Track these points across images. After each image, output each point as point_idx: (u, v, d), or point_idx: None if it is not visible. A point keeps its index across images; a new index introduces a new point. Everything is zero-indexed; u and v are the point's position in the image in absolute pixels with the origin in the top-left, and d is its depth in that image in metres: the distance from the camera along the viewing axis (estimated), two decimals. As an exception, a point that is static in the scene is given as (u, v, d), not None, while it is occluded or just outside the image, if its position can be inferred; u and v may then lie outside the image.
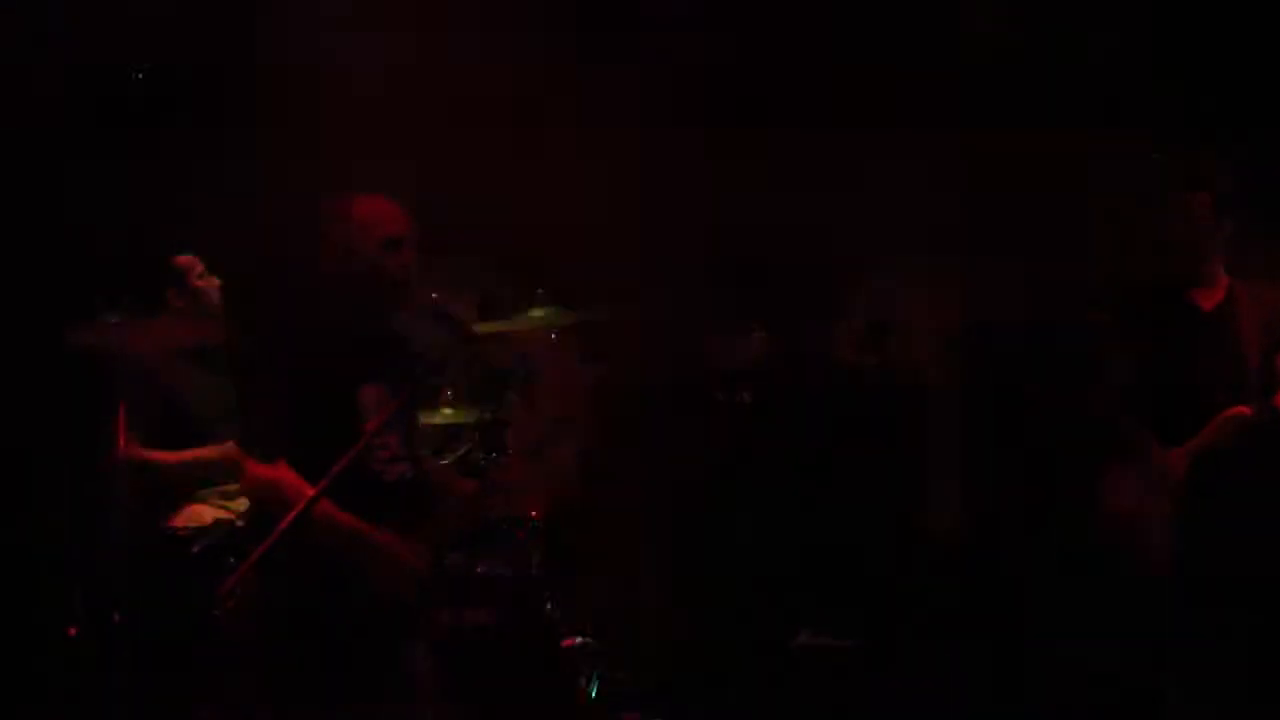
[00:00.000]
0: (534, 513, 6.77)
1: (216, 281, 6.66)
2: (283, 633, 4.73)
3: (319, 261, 4.93)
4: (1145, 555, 6.10)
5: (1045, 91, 8.14)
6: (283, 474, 4.60)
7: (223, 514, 6.19)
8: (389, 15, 7.91)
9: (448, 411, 7.01)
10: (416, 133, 7.83)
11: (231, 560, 5.88)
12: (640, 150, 8.12)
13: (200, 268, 6.63)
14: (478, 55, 8.02)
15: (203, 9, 7.24)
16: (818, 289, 8.29)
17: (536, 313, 6.97)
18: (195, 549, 5.97)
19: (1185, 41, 7.82)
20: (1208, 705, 5.91)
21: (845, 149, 8.17)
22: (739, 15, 8.15)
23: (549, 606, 6.55)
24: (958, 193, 8.23)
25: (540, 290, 7.30)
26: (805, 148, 8.19)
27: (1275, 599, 5.92)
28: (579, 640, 6.87)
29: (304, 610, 4.67)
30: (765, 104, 8.21)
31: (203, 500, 6.43)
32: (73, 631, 6.08)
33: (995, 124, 8.19)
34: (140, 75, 7.05)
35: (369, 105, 7.81)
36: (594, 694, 6.85)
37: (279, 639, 4.75)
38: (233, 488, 6.38)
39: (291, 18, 7.66)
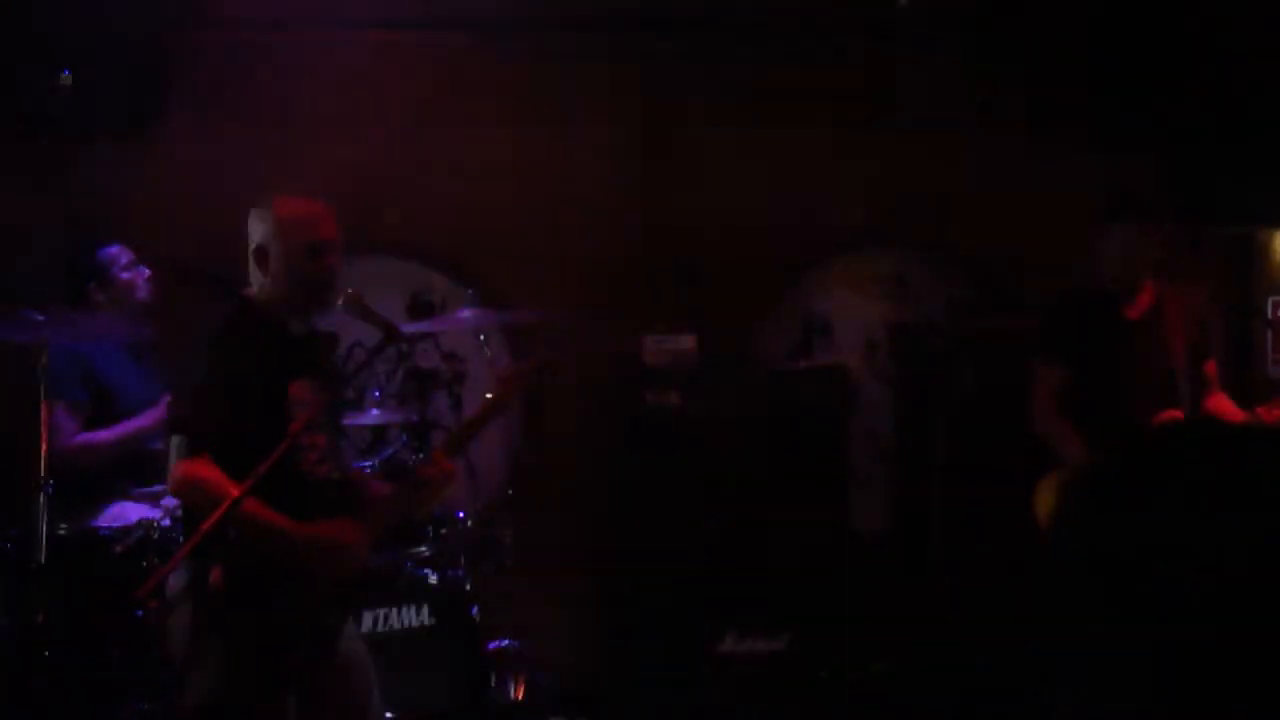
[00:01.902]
0: (461, 514, 6.76)
1: (146, 272, 6.64)
2: (210, 630, 4.70)
3: (249, 261, 4.91)
4: (1076, 560, 6.12)
5: (980, 96, 8.20)
6: (210, 472, 4.57)
7: (146, 512, 6.15)
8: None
9: (375, 412, 6.99)
10: (346, 133, 7.82)
11: (155, 560, 5.87)
12: (574, 151, 8.15)
13: (127, 258, 6.61)
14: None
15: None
16: (749, 290, 8.30)
17: (465, 313, 6.96)
18: (118, 549, 5.92)
19: (1123, 51, 7.89)
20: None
21: (782, 148, 8.21)
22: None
23: (475, 609, 6.54)
24: (892, 194, 8.27)
25: (469, 291, 7.29)
26: (740, 147, 8.24)
27: (1197, 604, 5.94)
28: (505, 642, 6.88)
29: (231, 608, 4.64)
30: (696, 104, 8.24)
31: (128, 499, 6.39)
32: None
33: (930, 126, 8.24)
34: (61, 79, 6.98)
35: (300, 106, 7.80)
36: (520, 696, 6.85)
37: (206, 636, 4.71)
38: (159, 488, 6.35)
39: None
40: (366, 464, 6.60)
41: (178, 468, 4.66)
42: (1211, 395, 6.42)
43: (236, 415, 4.62)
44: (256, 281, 4.90)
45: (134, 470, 6.46)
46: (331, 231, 4.88)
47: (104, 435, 6.41)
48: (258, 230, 4.90)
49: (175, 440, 4.71)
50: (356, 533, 4.78)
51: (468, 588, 6.58)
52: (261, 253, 4.87)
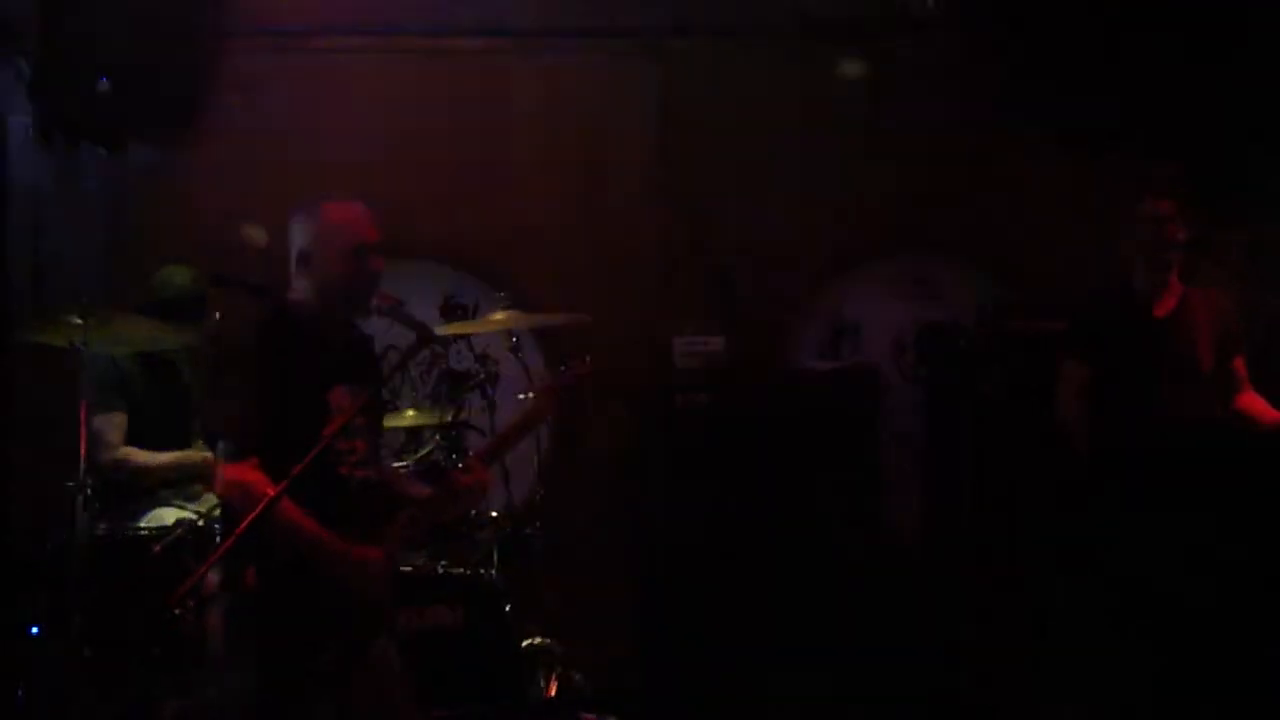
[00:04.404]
0: (494, 514, 6.81)
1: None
2: (244, 630, 4.76)
3: (290, 265, 4.95)
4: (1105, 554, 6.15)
5: (1009, 98, 8.21)
6: (253, 476, 4.61)
7: (184, 515, 6.21)
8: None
9: (410, 414, 7.04)
10: (380, 139, 7.88)
11: (192, 561, 5.92)
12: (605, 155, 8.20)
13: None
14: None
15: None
16: (778, 291, 8.33)
17: (498, 316, 7.01)
18: (156, 549, 5.98)
19: (1148, 52, 7.88)
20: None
21: (812, 149, 8.24)
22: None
23: (508, 607, 6.58)
24: (919, 196, 8.29)
25: (502, 294, 7.34)
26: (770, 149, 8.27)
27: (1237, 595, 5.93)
28: (538, 640, 6.92)
29: (265, 608, 4.69)
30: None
31: (166, 502, 6.45)
32: (35, 631, 6.10)
33: (957, 128, 8.26)
34: (99, 87, 7.04)
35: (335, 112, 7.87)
36: (552, 694, 6.89)
37: (243, 637, 4.77)
38: (196, 489, 6.42)
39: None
40: (400, 465, 6.65)
41: (225, 471, 4.70)
42: (1242, 393, 6.43)
43: (280, 420, 4.67)
44: (298, 286, 4.94)
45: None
46: (374, 235, 4.91)
47: (149, 459, 6.48)
48: (300, 235, 4.92)
49: (220, 445, 4.77)
50: (379, 557, 4.82)
51: (500, 587, 6.63)
52: (304, 257, 4.90)
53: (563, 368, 5.48)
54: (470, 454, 5.76)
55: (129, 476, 6.44)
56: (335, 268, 4.85)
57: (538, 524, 7.06)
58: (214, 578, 4.74)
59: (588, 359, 5.44)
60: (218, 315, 6.52)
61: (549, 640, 6.96)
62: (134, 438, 6.51)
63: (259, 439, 4.64)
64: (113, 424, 6.43)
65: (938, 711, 7.12)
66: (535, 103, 8.13)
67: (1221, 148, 7.73)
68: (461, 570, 6.54)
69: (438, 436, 6.87)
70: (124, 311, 6.37)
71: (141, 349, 6.53)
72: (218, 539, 5.65)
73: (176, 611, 5.85)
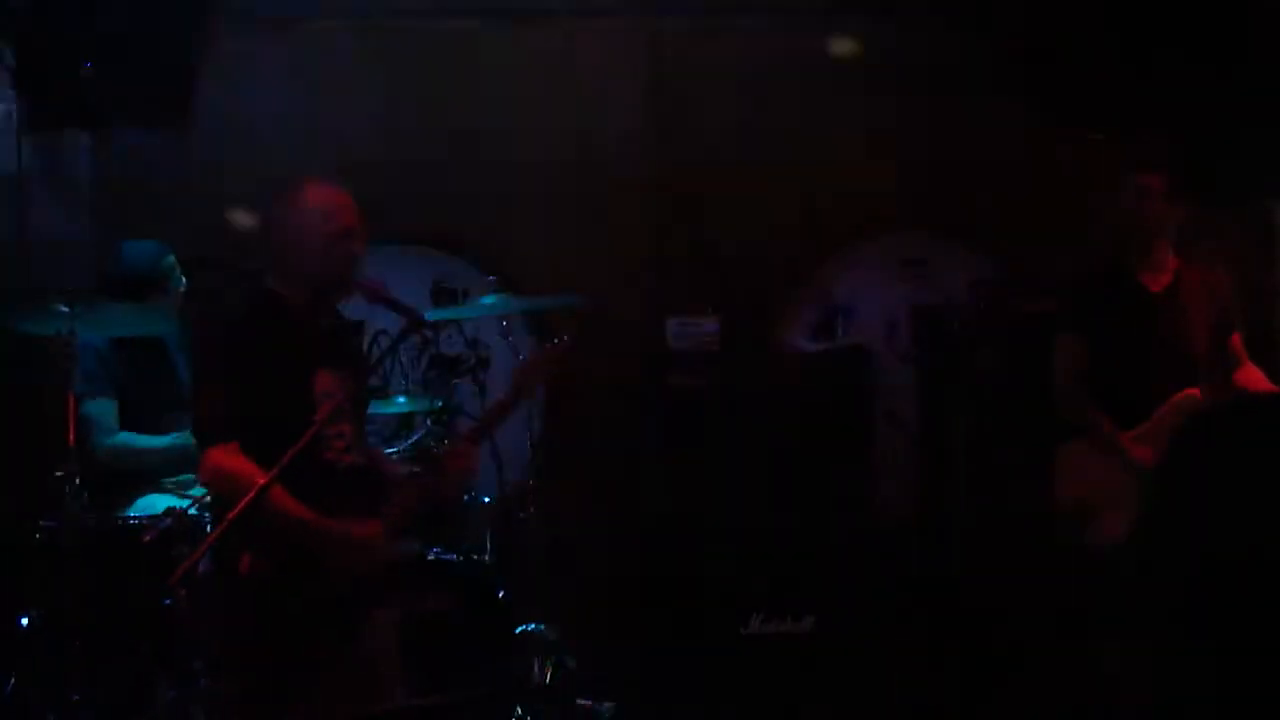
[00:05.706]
0: (487, 499, 6.79)
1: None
2: (238, 617, 4.74)
3: (271, 250, 4.93)
4: (1096, 536, 6.13)
5: (998, 77, 8.19)
6: (240, 463, 4.60)
7: (175, 503, 6.18)
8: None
9: (400, 399, 7.02)
10: (367, 121, 7.85)
11: (183, 548, 5.90)
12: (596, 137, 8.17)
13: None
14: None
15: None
16: (772, 272, 8.31)
17: (488, 300, 6.99)
18: (146, 538, 5.95)
19: (1139, 29, 7.85)
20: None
21: (804, 129, 8.22)
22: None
23: (502, 593, 6.56)
24: (914, 174, 8.27)
25: (492, 277, 7.31)
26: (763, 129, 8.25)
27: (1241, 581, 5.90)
28: (532, 626, 6.90)
29: (258, 595, 4.68)
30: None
31: (157, 489, 6.42)
32: (24, 620, 6.07)
33: (944, 107, 8.23)
34: (84, 72, 7.00)
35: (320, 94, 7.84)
36: (547, 679, 6.88)
37: (236, 624, 4.76)
38: (188, 477, 6.39)
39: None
40: (392, 450, 6.63)
41: (208, 458, 4.69)
42: (1241, 369, 6.41)
43: (263, 405, 4.65)
44: (279, 270, 4.92)
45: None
46: (353, 219, 4.90)
47: (148, 443, 6.45)
48: (280, 218, 4.92)
49: (203, 431, 4.75)
50: (377, 534, 4.80)
51: (494, 572, 6.61)
52: (284, 241, 4.89)
53: (547, 343, 5.48)
54: (459, 436, 5.75)
55: (132, 462, 6.41)
56: (315, 252, 4.84)
57: (531, 509, 7.05)
58: (206, 564, 4.73)
59: (573, 333, 5.44)
60: (198, 299, 6.51)
61: (543, 626, 6.94)
62: (124, 424, 6.48)
63: (240, 424, 4.63)
64: (106, 410, 6.40)
65: (930, 692, 7.11)
66: (525, 83, 8.09)
67: (1225, 125, 7.70)
68: (455, 556, 6.52)
69: (429, 422, 6.85)
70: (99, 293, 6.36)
71: (125, 333, 6.49)
72: (208, 527, 5.64)
73: (168, 599, 5.84)
